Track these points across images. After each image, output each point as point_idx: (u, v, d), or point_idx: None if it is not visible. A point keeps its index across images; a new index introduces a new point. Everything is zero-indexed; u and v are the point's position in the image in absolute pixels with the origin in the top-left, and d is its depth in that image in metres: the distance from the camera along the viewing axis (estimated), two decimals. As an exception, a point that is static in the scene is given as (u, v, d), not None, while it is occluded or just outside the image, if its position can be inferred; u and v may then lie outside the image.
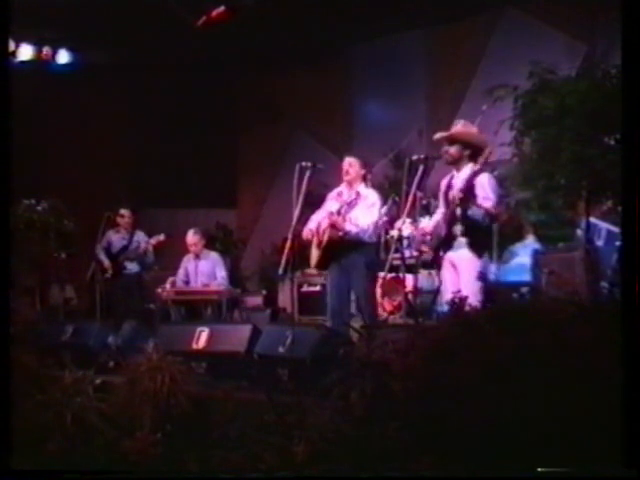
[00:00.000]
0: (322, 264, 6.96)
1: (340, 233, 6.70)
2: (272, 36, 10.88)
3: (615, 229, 6.22)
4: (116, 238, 9.75)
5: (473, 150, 6.09)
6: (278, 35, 10.90)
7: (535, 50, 8.44)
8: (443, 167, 6.48)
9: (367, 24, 10.78)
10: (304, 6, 9.90)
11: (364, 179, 6.93)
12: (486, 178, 6.02)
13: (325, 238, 6.77)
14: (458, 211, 5.93)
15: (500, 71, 9.07)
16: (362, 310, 6.59)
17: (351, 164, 6.90)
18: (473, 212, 5.91)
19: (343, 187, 6.99)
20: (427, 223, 6.44)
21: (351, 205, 6.81)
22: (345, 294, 6.84)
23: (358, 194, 6.84)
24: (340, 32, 11.17)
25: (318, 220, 6.88)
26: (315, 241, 6.87)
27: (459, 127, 6.22)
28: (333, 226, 6.71)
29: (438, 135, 6.27)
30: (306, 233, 6.83)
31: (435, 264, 6.35)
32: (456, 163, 6.15)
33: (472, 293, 5.59)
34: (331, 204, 6.96)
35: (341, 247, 6.75)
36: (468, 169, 6.08)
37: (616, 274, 5.86)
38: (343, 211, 6.83)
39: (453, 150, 6.11)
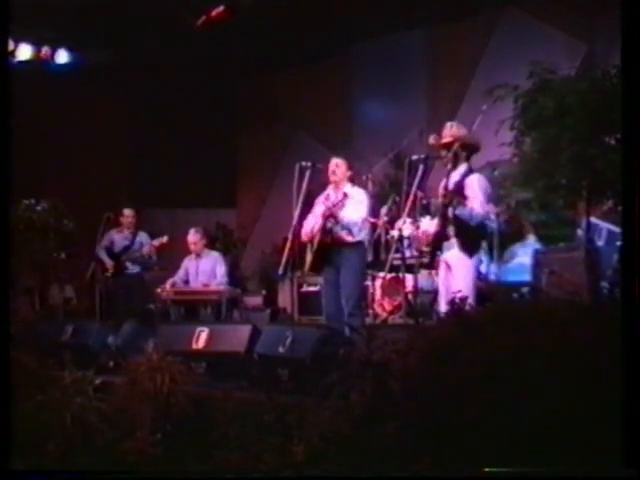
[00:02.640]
0: (315, 267, 6.96)
1: (331, 223, 6.66)
2: (272, 36, 10.87)
3: (616, 229, 6.21)
4: (118, 237, 9.70)
5: (470, 151, 6.28)
6: (278, 35, 10.89)
7: (535, 50, 8.42)
8: (443, 167, 6.50)
9: (367, 24, 10.78)
10: (304, 6, 9.90)
11: (351, 180, 6.94)
12: (475, 177, 6.20)
13: (316, 242, 6.76)
14: (450, 211, 5.99)
15: (500, 71, 9.05)
16: (350, 311, 6.60)
17: (337, 165, 6.89)
18: (460, 211, 6.06)
19: (330, 189, 6.97)
20: (429, 224, 6.45)
21: (339, 206, 6.76)
22: (339, 295, 6.79)
23: (345, 195, 6.80)
24: (340, 32, 11.14)
25: (311, 225, 6.85)
26: (308, 245, 6.87)
27: (455, 130, 6.29)
28: (324, 229, 6.67)
29: (444, 140, 6.28)
30: (304, 235, 6.79)
31: (433, 265, 6.38)
32: (456, 165, 6.24)
33: (466, 292, 5.63)
34: (319, 209, 6.92)
35: (332, 248, 6.74)
36: (463, 168, 6.25)
37: (617, 274, 5.86)
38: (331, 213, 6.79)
39: (452, 155, 6.21)
